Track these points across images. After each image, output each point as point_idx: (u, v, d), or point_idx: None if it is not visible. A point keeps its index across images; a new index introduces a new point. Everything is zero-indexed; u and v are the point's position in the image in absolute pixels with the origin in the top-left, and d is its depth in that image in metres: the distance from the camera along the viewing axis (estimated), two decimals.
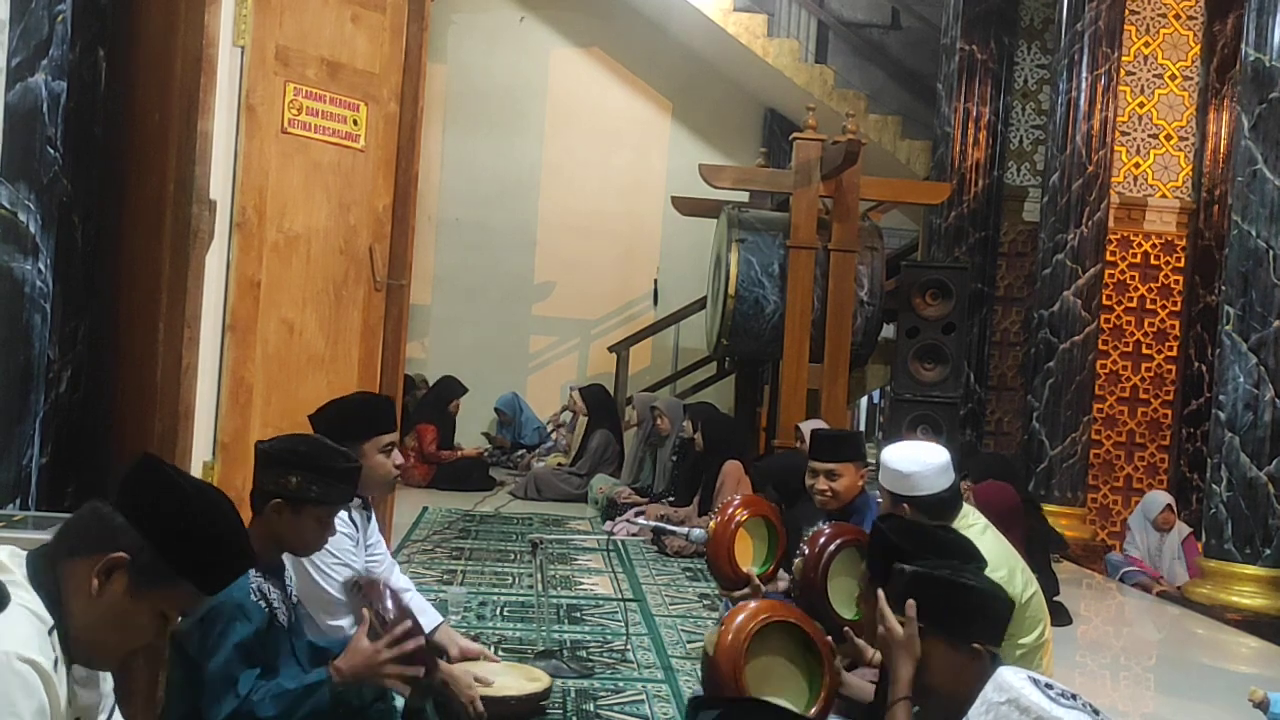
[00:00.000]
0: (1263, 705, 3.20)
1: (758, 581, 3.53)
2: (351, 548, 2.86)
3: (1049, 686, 1.49)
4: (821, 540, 3.00)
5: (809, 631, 2.54)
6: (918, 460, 2.90)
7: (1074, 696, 1.48)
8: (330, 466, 2.41)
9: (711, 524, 3.67)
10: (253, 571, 2.32)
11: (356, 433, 2.88)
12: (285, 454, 2.38)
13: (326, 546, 2.70)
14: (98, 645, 1.64)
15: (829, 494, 3.55)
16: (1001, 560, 2.78)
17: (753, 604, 2.57)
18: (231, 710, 2.18)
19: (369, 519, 3.09)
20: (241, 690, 2.19)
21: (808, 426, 6.34)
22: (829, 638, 2.59)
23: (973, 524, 2.87)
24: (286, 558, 2.55)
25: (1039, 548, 5.30)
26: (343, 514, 2.84)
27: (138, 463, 1.73)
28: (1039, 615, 2.87)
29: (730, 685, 2.40)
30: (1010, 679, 1.51)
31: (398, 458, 2.96)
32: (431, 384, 9.28)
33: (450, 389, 8.90)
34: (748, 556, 3.64)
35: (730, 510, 3.65)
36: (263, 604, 2.30)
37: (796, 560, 3.04)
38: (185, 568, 1.66)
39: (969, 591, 2.00)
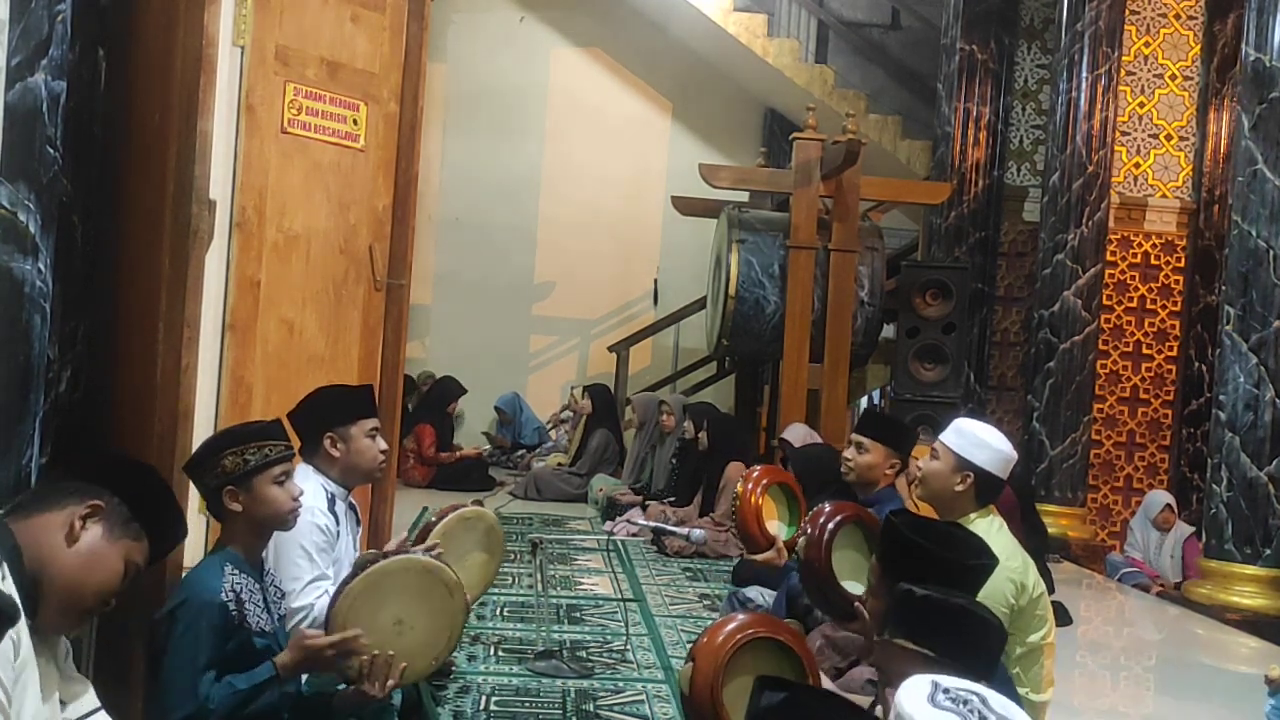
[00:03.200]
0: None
1: (781, 545, 3.56)
2: (324, 540, 2.81)
3: (945, 691, 1.49)
4: (821, 519, 3.01)
5: (783, 640, 2.53)
6: (997, 437, 2.96)
7: (965, 701, 1.47)
8: (247, 431, 2.46)
9: (739, 487, 3.71)
10: (229, 568, 2.32)
11: (342, 418, 2.88)
12: (204, 451, 2.44)
13: (299, 543, 2.69)
14: (72, 591, 1.72)
15: (850, 464, 3.56)
16: (1015, 553, 2.82)
17: (728, 626, 2.56)
18: (189, 713, 2.18)
19: (356, 520, 3.07)
20: (201, 692, 2.19)
21: (791, 434, 6.33)
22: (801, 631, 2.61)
23: (990, 521, 2.88)
24: (268, 559, 2.55)
25: (1034, 547, 5.31)
26: (321, 505, 2.82)
27: (85, 455, 1.87)
28: (1046, 615, 2.88)
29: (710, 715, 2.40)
30: (904, 692, 1.51)
31: (382, 443, 2.95)
32: (428, 385, 9.27)
33: (449, 390, 8.90)
34: (773, 521, 3.70)
35: (754, 477, 3.72)
36: (232, 605, 2.29)
37: (800, 539, 3.05)
38: (147, 522, 1.84)
39: (976, 621, 1.97)
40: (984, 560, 2.30)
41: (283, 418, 2.76)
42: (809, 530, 3.00)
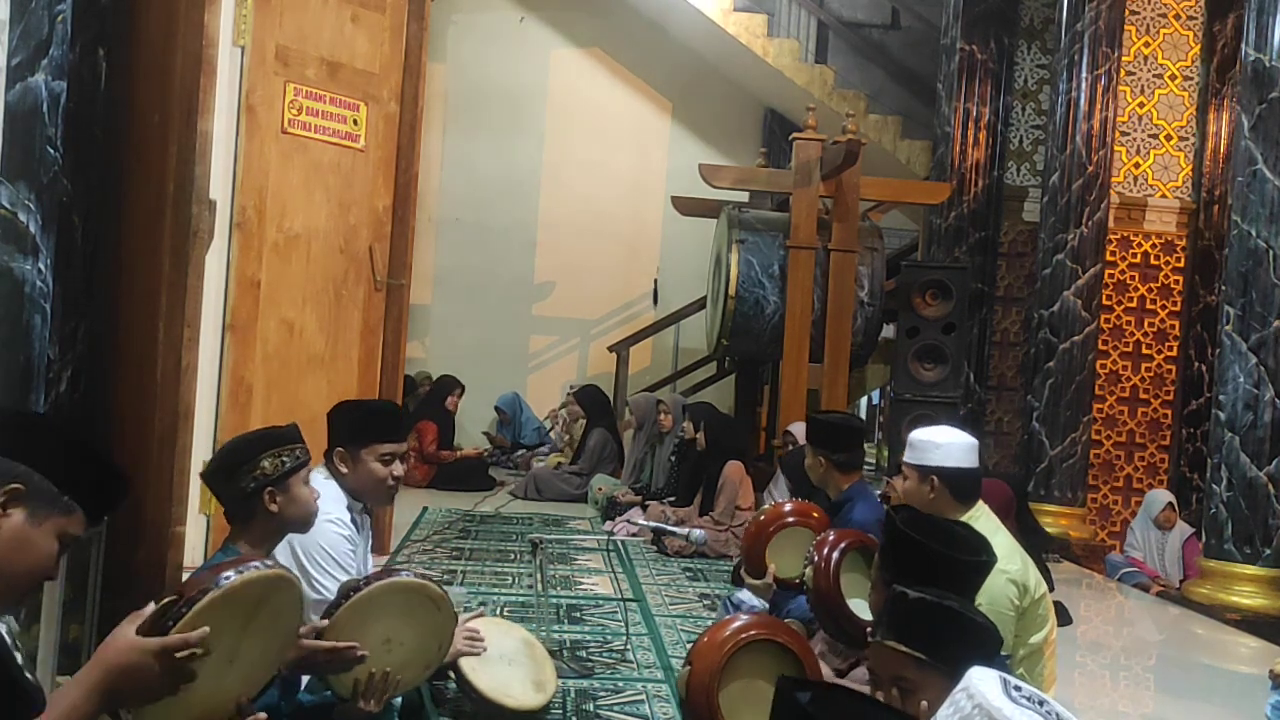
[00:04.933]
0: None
1: (771, 580, 3.53)
2: (349, 550, 2.84)
3: (1017, 689, 1.48)
4: (825, 549, 3.00)
5: (782, 641, 2.52)
6: (948, 433, 2.97)
7: (1041, 702, 1.46)
8: (280, 434, 2.45)
9: (765, 507, 3.71)
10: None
11: (352, 438, 2.87)
12: (239, 453, 2.42)
13: (322, 546, 2.69)
14: (3, 577, 1.66)
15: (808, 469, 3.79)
16: (1014, 554, 2.81)
17: (727, 628, 2.55)
18: None
19: (369, 524, 3.08)
20: None
21: (797, 429, 6.33)
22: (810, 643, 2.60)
23: (986, 522, 2.87)
24: (285, 560, 2.54)
25: (1031, 546, 5.31)
26: (344, 517, 2.84)
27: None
28: (1047, 615, 2.88)
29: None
30: (980, 684, 1.49)
31: (398, 468, 2.92)
32: (425, 386, 9.29)
33: (447, 385, 8.91)
34: (786, 558, 3.63)
35: (784, 508, 3.68)
36: None
37: (807, 568, 3.03)
38: (75, 493, 1.72)
39: (968, 623, 1.97)
40: (982, 557, 2.29)
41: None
42: (815, 559, 2.99)
